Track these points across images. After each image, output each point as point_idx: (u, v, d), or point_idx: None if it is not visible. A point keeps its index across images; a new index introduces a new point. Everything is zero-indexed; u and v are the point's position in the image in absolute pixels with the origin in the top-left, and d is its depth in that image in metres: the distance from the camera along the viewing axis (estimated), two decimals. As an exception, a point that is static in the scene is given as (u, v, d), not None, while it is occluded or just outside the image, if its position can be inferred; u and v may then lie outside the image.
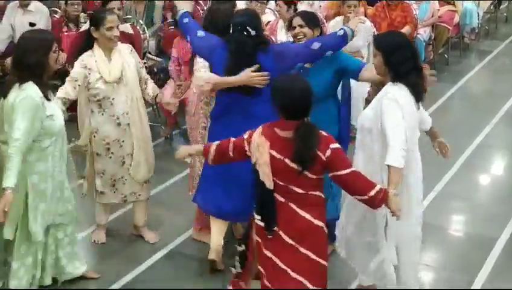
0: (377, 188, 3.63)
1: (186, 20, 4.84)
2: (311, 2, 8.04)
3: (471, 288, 4.69)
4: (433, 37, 8.94)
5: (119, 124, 4.84)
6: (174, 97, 6.52)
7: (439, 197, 5.88)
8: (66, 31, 7.44)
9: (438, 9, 8.90)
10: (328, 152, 3.59)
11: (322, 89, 4.50)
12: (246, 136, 3.79)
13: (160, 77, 6.79)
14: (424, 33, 8.55)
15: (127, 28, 6.26)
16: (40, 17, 7.56)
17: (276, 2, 6.89)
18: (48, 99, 4.18)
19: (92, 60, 4.76)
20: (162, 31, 8.07)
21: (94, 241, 5.18)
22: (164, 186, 6.09)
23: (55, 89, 4.65)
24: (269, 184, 3.63)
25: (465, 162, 6.57)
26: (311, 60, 4.56)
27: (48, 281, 4.52)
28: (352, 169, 3.66)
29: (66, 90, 4.69)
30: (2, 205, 3.92)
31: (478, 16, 10.03)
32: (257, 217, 3.74)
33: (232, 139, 3.86)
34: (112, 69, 4.76)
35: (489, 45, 10.51)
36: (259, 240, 3.77)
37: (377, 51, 4.01)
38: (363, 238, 4.17)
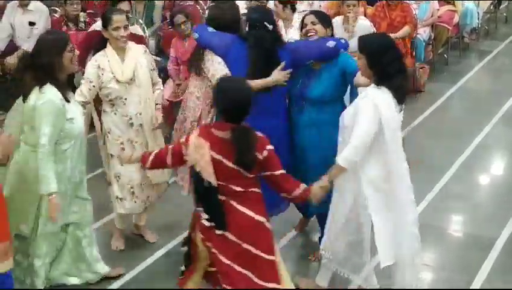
0: (302, 187, 3.88)
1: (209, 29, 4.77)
2: (310, 2, 8.04)
3: (470, 288, 4.69)
4: (432, 37, 8.94)
5: (131, 124, 4.79)
6: (174, 97, 6.56)
7: (438, 197, 5.88)
8: (66, 31, 7.43)
9: (438, 9, 8.89)
10: (265, 153, 3.75)
11: (331, 90, 4.53)
12: (183, 139, 3.88)
13: (160, 76, 6.78)
14: (423, 33, 8.55)
15: (136, 29, 6.25)
16: (39, 16, 7.56)
17: (274, 1, 6.89)
18: (67, 101, 4.20)
19: (105, 59, 4.73)
20: (162, 31, 8.07)
21: (115, 248, 5.15)
22: (164, 185, 6.08)
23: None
24: (214, 183, 3.73)
25: (464, 162, 6.57)
26: (325, 57, 4.55)
27: (58, 280, 4.57)
28: (283, 171, 3.84)
29: (82, 92, 4.69)
30: (52, 212, 4.04)
31: (478, 15, 10.03)
32: (204, 216, 3.82)
33: (170, 146, 3.98)
34: (125, 69, 4.73)
35: (489, 45, 10.51)
36: (203, 237, 3.85)
37: (360, 53, 4.01)
38: (348, 237, 4.21)
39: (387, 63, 3.91)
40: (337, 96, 4.65)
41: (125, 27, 4.75)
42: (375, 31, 7.31)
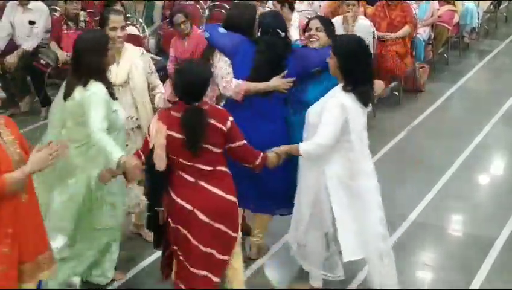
0: (261, 156, 4.01)
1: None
2: (310, 1, 8.05)
3: (470, 288, 4.69)
4: (432, 37, 8.94)
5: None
6: (173, 96, 6.54)
7: (438, 197, 5.88)
8: (66, 30, 7.44)
9: (438, 9, 8.90)
10: (228, 124, 3.85)
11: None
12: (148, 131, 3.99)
13: (160, 75, 6.79)
14: (423, 33, 8.55)
15: (132, 30, 6.23)
16: (39, 15, 7.58)
17: (272, 1, 6.91)
18: (112, 95, 4.22)
19: None
20: (162, 30, 8.08)
21: None
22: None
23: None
24: (160, 166, 3.83)
25: (464, 162, 6.57)
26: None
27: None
28: (244, 141, 3.93)
29: None
30: (134, 169, 3.93)
31: (478, 15, 10.03)
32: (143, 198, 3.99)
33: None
34: (119, 72, 4.69)
35: (489, 45, 10.51)
36: (173, 224, 3.94)
37: (333, 54, 4.07)
38: (312, 231, 4.28)
39: (356, 68, 3.99)
40: None
41: (122, 28, 4.73)
42: (375, 31, 7.32)
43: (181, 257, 3.97)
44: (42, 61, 7.43)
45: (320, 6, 8.03)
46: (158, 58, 7.31)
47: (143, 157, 3.98)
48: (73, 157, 4.17)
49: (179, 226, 3.92)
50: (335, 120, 3.96)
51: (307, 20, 5.08)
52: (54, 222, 4.18)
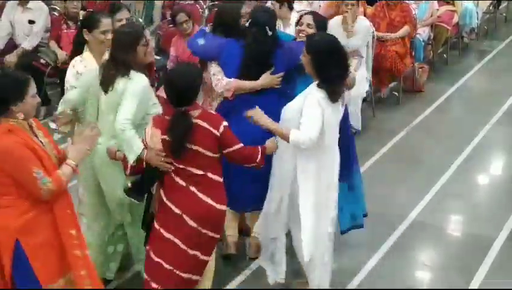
0: (259, 151, 4.01)
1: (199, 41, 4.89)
2: (310, 1, 8.04)
3: (469, 288, 4.69)
4: (432, 37, 8.93)
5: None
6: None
7: (437, 197, 5.88)
8: (66, 29, 7.44)
9: (437, 9, 8.89)
10: (221, 128, 3.89)
11: None
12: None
13: (158, 75, 6.79)
14: (423, 33, 8.54)
15: None
16: (39, 14, 7.58)
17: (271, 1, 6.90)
18: (152, 86, 4.29)
19: (82, 65, 4.56)
20: (161, 30, 8.07)
21: None
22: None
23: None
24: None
25: (463, 162, 6.57)
26: None
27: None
28: (240, 144, 3.96)
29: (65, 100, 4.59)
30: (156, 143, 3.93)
31: (477, 15, 10.02)
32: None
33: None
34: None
35: (489, 45, 10.51)
36: (158, 228, 4.00)
37: (306, 52, 4.11)
38: (274, 226, 4.39)
39: (328, 66, 4.03)
40: None
41: (111, 31, 4.71)
42: (375, 31, 7.32)
43: (160, 258, 3.99)
44: (42, 61, 7.43)
45: (319, 6, 8.02)
46: (158, 57, 7.31)
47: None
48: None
49: (163, 230, 3.97)
50: (319, 116, 4.00)
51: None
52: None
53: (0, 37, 7.58)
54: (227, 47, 4.67)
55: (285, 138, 4.01)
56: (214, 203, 3.94)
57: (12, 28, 7.59)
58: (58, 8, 7.89)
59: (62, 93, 5.68)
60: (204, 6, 8.34)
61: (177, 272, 3.98)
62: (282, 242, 4.42)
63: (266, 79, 4.59)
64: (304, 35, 4.67)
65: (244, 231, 5.04)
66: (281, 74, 4.57)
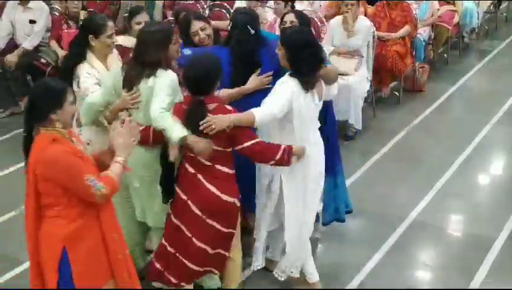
0: (282, 148, 3.94)
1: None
2: (311, 1, 8.04)
3: (469, 288, 4.69)
4: (432, 37, 8.93)
5: None
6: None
7: (437, 197, 5.88)
8: (66, 29, 7.44)
9: (438, 9, 8.89)
10: (232, 125, 3.86)
11: None
12: None
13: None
14: (423, 33, 8.54)
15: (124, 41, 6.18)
16: (40, 14, 7.58)
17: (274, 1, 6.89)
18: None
19: (95, 72, 4.57)
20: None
21: None
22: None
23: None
24: (173, 159, 3.94)
25: (464, 161, 6.57)
26: None
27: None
28: (257, 140, 3.94)
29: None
30: (199, 145, 3.90)
31: (478, 15, 10.02)
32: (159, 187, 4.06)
33: None
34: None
35: (489, 45, 10.50)
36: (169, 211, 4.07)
37: (280, 46, 4.18)
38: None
39: (301, 58, 4.09)
40: None
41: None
42: (375, 30, 7.32)
43: (176, 252, 4.05)
44: (42, 60, 7.44)
45: (320, 6, 8.03)
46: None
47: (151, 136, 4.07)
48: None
49: (173, 217, 4.03)
50: (283, 94, 4.04)
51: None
52: None
53: (1, 37, 7.59)
54: (214, 52, 4.56)
55: (251, 121, 3.96)
56: (219, 193, 3.94)
57: (13, 27, 7.60)
58: (59, 8, 7.89)
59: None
60: (205, 6, 8.34)
61: (189, 265, 4.04)
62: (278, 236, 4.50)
63: (255, 81, 4.53)
64: None
65: (247, 231, 5.03)
66: (270, 72, 4.52)
